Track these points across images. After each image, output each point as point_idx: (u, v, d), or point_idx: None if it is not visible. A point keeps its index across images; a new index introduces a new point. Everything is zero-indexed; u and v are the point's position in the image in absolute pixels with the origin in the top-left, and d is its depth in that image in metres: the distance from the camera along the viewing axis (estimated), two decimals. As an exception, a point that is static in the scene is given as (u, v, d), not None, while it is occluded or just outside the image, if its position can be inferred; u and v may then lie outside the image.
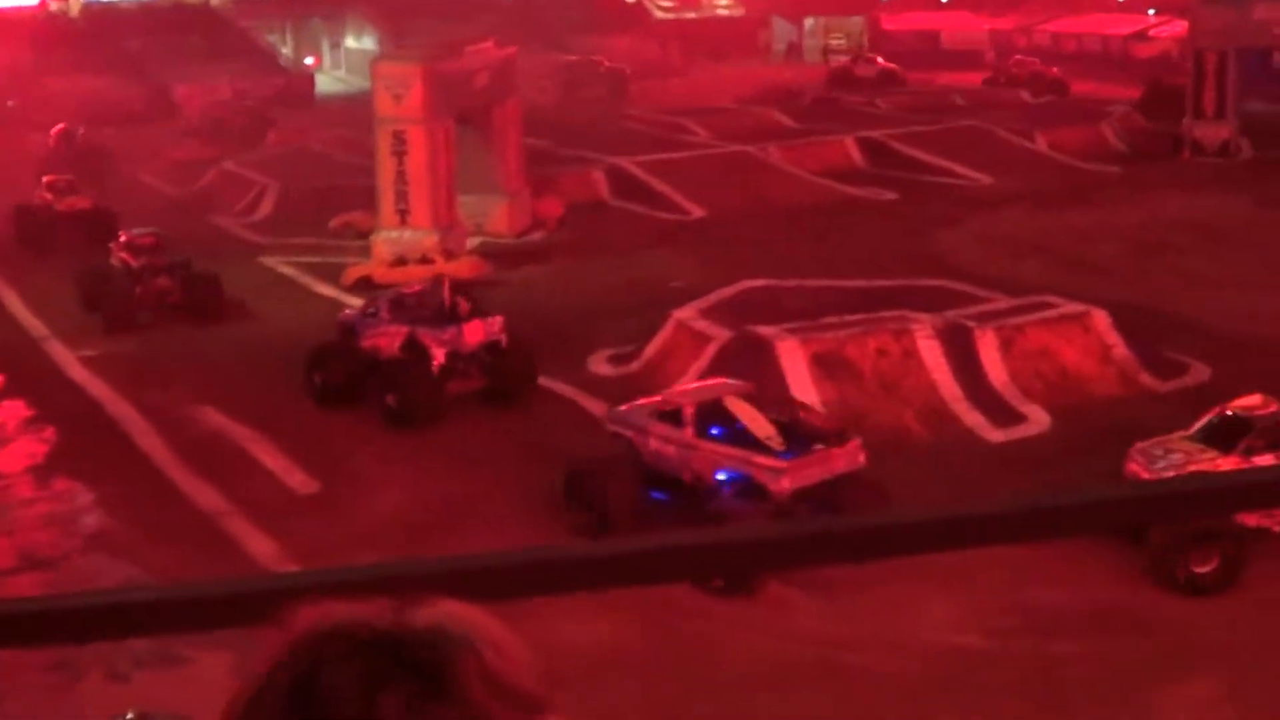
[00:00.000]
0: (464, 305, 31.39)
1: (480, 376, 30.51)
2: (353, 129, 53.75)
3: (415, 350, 30.49)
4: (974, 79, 74.91)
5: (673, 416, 25.44)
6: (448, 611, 1.84)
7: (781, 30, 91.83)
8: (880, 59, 78.97)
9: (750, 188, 49.61)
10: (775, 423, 24.73)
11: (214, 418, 30.26)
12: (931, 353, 30.09)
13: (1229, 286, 38.54)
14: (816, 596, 21.75)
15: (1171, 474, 22.30)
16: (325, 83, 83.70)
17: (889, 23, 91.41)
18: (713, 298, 33.91)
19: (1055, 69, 74.55)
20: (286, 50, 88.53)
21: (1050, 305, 32.86)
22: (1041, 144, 57.35)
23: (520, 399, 30.32)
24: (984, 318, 31.77)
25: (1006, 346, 30.80)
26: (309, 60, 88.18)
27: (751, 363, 29.49)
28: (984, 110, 62.37)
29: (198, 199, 51.91)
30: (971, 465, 26.89)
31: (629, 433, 25.92)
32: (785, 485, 23.62)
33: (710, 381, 27.34)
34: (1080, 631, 21.06)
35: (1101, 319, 32.15)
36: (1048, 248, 42.75)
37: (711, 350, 30.70)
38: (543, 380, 31.08)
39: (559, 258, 42.87)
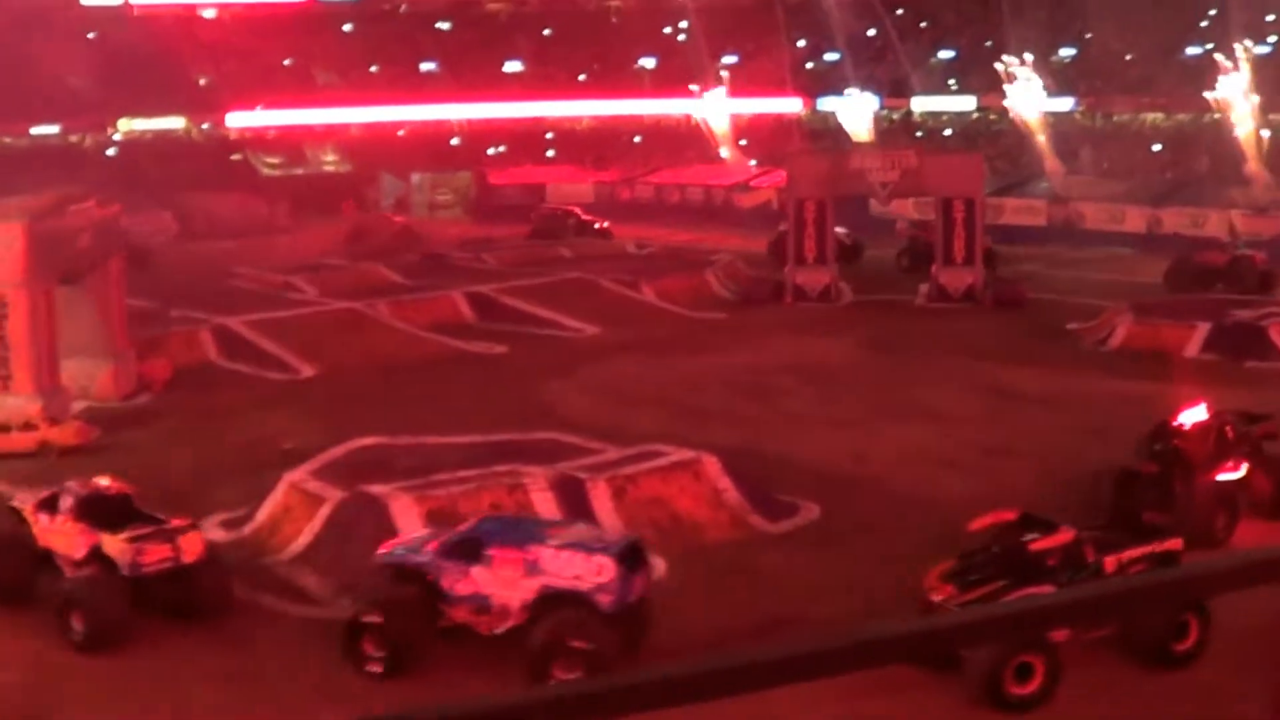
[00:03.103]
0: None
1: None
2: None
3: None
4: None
5: None
6: None
7: (389, 185, 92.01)
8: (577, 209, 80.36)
9: (360, 345, 49.35)
10: None
11: None
12: (546, 505, 30.18)
13: (834, 427, 39.70)
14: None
15: None
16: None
17: (496, 177, 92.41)
18: (325, 457, 33.54)
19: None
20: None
21: (660, 454, 33.31)
22: (648, 293, 58.42)
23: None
24: (596, 469, 32.04)
25: (619, 496, 31.06)
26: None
27: (365, 522, 29.22)
28: (590, 262, 63.33)
29: None
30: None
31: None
32: None
33: None
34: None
35: (712, 465, 32.69)
36: (657, 396, 43.42)
37: (325, 511, 30.29)
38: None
39: (167, 420, 41.91)
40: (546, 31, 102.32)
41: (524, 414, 39.74)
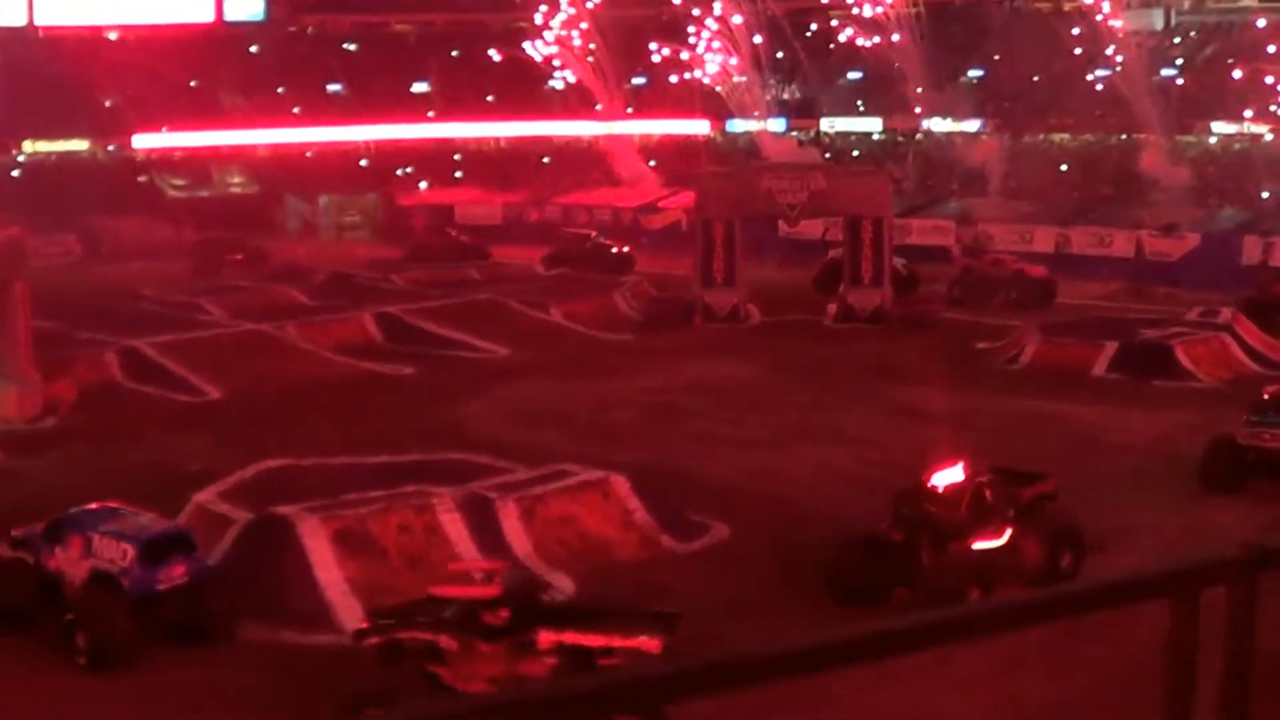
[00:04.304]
0: None
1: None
2: None
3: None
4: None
5: None
6: None
7: (296, 208, 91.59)
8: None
9: (268, 366, 49.03)
10: None
11: None
12: (454, 526, 30.11)
13: (742, 447, 39.82)
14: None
15: None
16: None
17: (404, 199, 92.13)
18: (232, 479, 33.31)
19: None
20: None
21: (570, 473, 33.33)
22: (556, 315, 58.39)
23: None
24: (505, 488, 31.99)
25: (528, 516, 31.05)
26: None
27: (273, 543, 29.07)
28: (498, 284, 63.28)
29: None
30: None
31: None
32: None
33: None
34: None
35: (621, 484, 32.72)
36: (566, 417, 43.42)
37: (233, 532, 30.09)
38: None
39: (73, 443, 41.44)
40: (454, 53, 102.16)
41: (433, 435, 39.60)
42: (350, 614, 27.36)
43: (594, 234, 77.83)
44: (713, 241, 60.05)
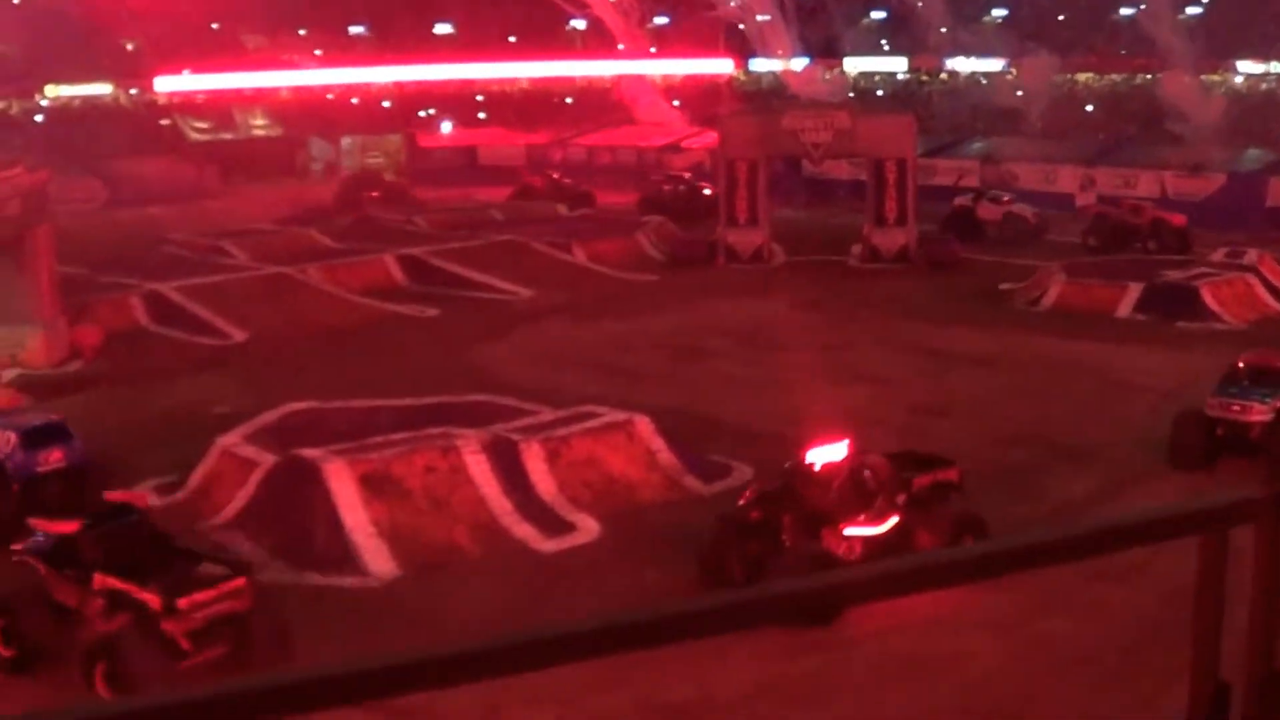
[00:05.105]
0: None
1: None
2: None
3: None
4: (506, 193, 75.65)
5: None
6: None
7: (319, 150, 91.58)
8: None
9: (291, 309, 49.10)
10: None
11: None
12: (479, 467, 30.12)
13: (766, 388, 39.69)
14: None
15: None
16: None
17: (426, 140, 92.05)
18: (257, 422, 33.33)
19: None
20: None
21: (594, 415, 33.29)
22: (580, 256, 58.35)
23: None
24: (529, 430, 32.00)
25: (553, 458, 31.05)
26: None
27: (298, 486, 29.13)
28: (521, 225, 63.16)
29: None
30: (524, 577, 26.95)
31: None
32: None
33: None
34: None
35: (645, 426, 32.71)
36: (590, 358, 43.41)
37: (258, 475, 30.16)
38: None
39: (99, 387, 41.58)
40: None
41: (457, 376, 39.63)
42: (375, 556, 27.49)
43: (688, 176, 76.39)
44: (736, 181, 59.87)
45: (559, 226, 63.66)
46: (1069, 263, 52.89)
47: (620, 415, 33.20)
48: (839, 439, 26.98)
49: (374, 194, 75.78)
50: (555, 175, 78.60)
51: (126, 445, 34.40)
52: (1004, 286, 52.81)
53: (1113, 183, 71.25)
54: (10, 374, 41.84)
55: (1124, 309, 48.42)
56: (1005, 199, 65.27)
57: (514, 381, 39.34)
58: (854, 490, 26.34)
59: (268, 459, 30.55)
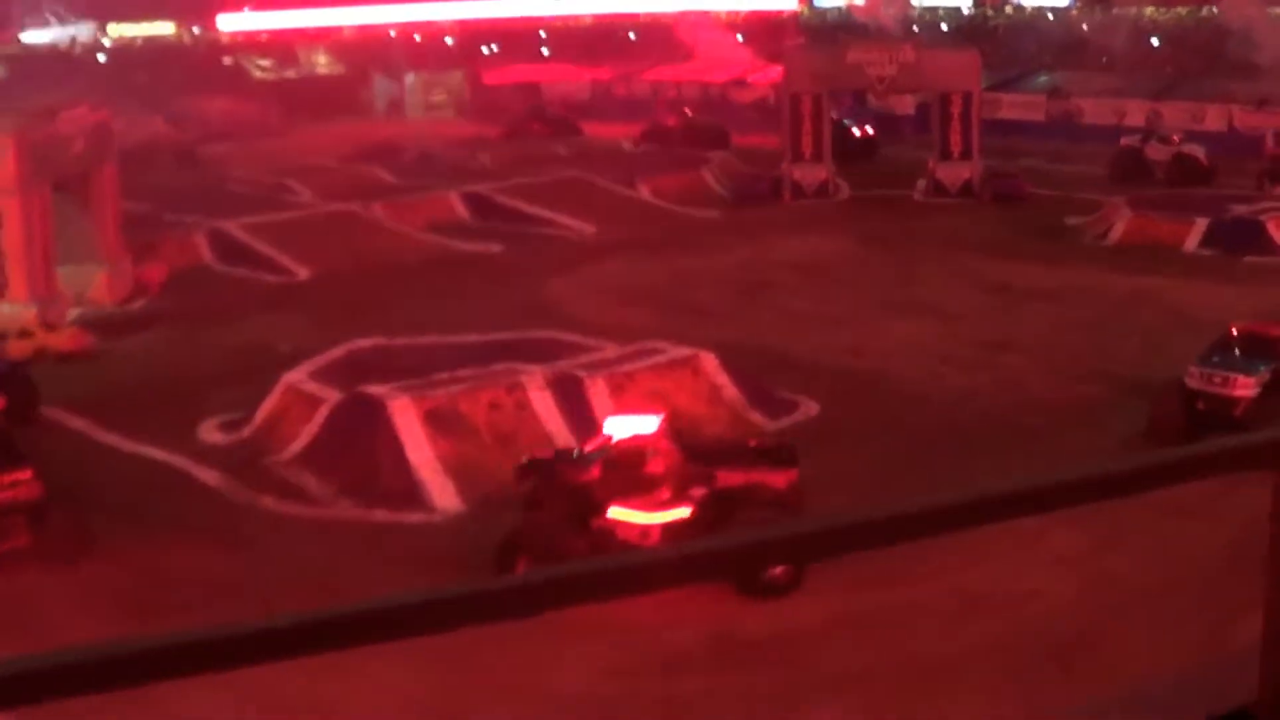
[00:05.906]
0: None
1: None
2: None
3: None
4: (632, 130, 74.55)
5: None
6: None
7: (383, 87, 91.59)
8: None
9: (356, 246, 49.16)
10: None
11: None
12: (544, 404, 30.19)
13: (831, 323, 39.66)
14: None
15: None
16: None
17: (490, 77, 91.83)
18: (322, 359, 33.44)
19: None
20: None
21: (659, 351, 33.26)
22: (644, 192, 58.19)
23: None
24: (594, 366, 32.00)
25: (618, 393, 31.02)
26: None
27: (364, 423, 29.24)
28: (585, 160, 63.00)
29: None
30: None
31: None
32: None
33: None
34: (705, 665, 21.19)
35: (710, 361, 32.67)
36: (654, 294, 43.33)
37: (324, 412, 30.27)
38: (153, 451, 30.30)
39: (163, 325, 41.82)
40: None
41: (521, 313, 39.58)
42: (442, 492, 27.58)
43: (688, 111, 75.74)
44: (801, 116, 59.55)
45: (623, 162, 63.47)
46: (1134, 196, 52.40)
47: (685, 351, 33.16)
48: (653, 413, 25.57)
49: (535, 126, 75.68)
50: (688, 112, 77.27)
51: (192, 382, 34.57)
52: (1070, 221, 52.40)
53: (1180, 116, 70.40)
54: (76, 312, 42.12)
55: (1190, 243, 48.00)
56: (1175, 139, 62.21)
57: (578, 318, 39.35)
58: (625, 472, 23.86)
59: (333, 395, 30.66)
